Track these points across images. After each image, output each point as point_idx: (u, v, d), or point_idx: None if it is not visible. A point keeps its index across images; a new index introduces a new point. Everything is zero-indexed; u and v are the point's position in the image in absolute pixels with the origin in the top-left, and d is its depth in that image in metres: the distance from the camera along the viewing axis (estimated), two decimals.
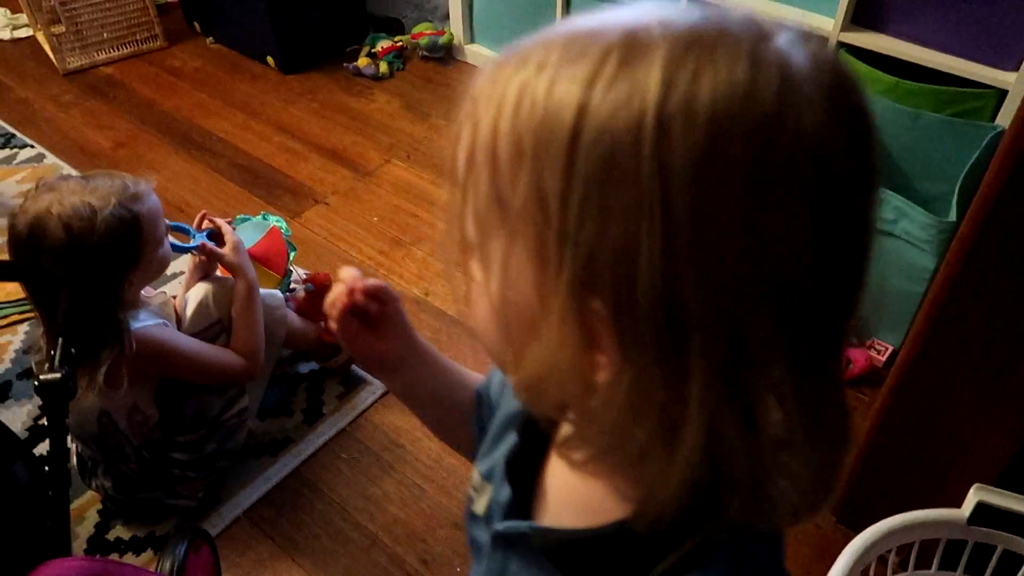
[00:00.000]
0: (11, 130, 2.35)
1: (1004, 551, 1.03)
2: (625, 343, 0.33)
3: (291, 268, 1.52)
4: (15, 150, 2.28)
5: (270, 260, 1.47)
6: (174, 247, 1.27)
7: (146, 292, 1.27)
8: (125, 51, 2.67)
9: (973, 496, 1.01)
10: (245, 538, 1.34)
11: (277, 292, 1.43)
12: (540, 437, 0.48)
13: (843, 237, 0.32)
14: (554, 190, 0.32)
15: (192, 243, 1.33)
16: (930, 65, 1.62)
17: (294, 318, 1.50)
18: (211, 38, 2.75)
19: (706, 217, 0.30)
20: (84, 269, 1.08)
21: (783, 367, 0.33)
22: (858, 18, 1.72)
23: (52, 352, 1.02)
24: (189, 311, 1.30)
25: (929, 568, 1.06)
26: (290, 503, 1.38)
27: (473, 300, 0.40)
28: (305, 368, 1.59)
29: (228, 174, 2.17)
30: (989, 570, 1.05)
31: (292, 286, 1.57)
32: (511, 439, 0.52)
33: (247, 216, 1.55)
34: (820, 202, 0.31)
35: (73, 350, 1.04)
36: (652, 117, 0.30)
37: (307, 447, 1.45)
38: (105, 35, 2.62)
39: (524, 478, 0.49)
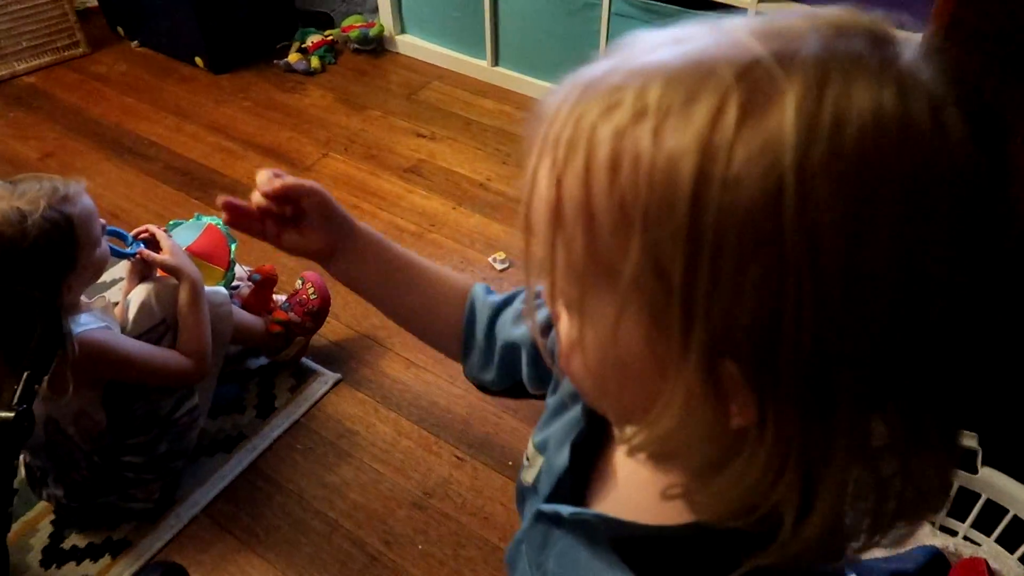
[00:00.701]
0: None
1: None
2: (765, 401, 0.31)
3: (234, 260, 1.51)
4: None
5: (212, 254, 1.46)
6: (112, 251, 1.25)
7: (86, 298, 1.26)
8: (46, 59, 2.60)
9: None
10: (206, 536, 1.34)
11: (221, 289, 1.43)
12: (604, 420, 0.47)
13: (988, 248, 0.31)
14: (676, 260, 0.29)
15: (129, 249, 1.32)
16: None
17: (241, 313, 1.50)
18: (136, 41, 2.70)
19: (858, 270, 0.28)
20: (18, 276, 1.06)
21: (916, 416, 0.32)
22: None
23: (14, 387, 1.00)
24: (132, 313, 1.29)
25: None
26: (248, 498, 1.39)
27: (565, 343, 0.37)
28: (255, 363, 1.58)
29: (163, 177, 2.14)
30: None
31: (236, 283, 1.57)
32: (573, 417, 0.51)
33: (180, 220, 1.54)
34: (972, 226, 0.30)
35: (37, 386, 1.02)
36: (792, 173, 0.27)
37: (262, 441, 1.46)
38: (24, 44, 2.55)
39: (583, 458, 0.50)
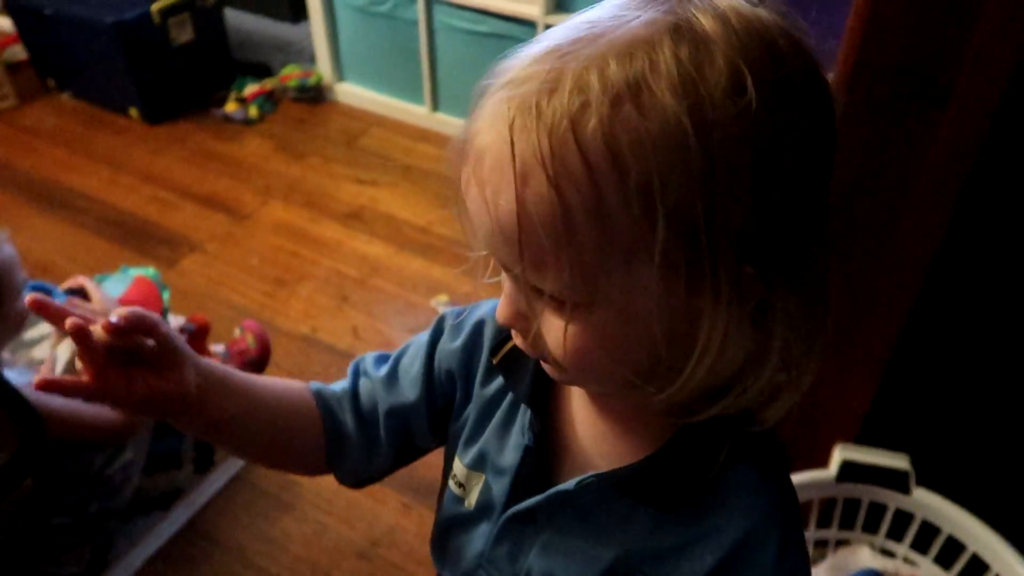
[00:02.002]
0: None
1: (870, 503, 1.12)
2: (774, 288, 0.39)
3: (167, 310, 1.47)
4: None
5: (143, 304, 1.42)
6: None
7: (8, 355, 1.21)
8: None
9: (838, 455, 1.10)
10: None
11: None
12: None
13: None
14: (697, 209, 0.35)
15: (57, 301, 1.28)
16: None
17: None
18: (68, 93, 2.65)
19: (779, 162, 0.37)
20: None
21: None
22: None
23: None
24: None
25: (806, 528, 1.14)
26: (186, 556, 1.33)
27: (576, 336, 0.40)
28: None
29: (95, 230, 2.09)
30: (859, 523, 1.13)
31: None
32: (502, 420, 0.54)
33: (105, 275, 1.50)
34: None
35: None
36: (756, 99, 0.34)
37: (200, 496, 1.41)
38: None
39: (539, 444, 0.52)
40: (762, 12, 0.37)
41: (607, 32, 0.36)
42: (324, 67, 2.57)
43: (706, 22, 0.36)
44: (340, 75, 2.59)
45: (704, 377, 0.40)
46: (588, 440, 0.51)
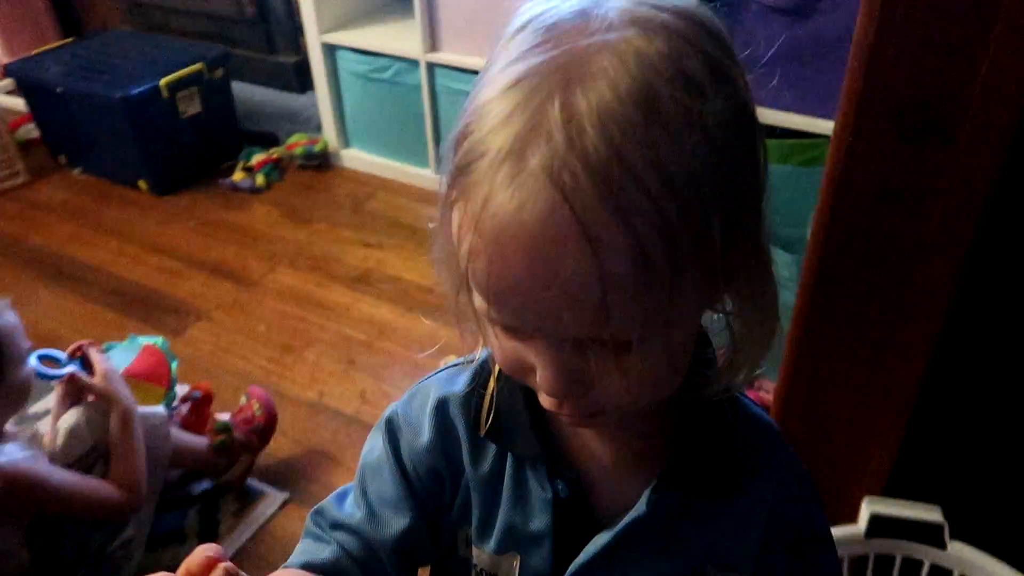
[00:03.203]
0: None
1: (904, 559, 1.06)
2: (746, 255, 0.42)
3: (175, 379, 1.45)
4: None
5: (151, 373, 1.41)
6: (42, 374, 1.20)
7: (12, 427, 1.19)
8: None
9: (866, 509, 1.05)
10: None
11: (160, 408, 1.36)
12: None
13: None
14: (717, 214, 0.37)
15: (61, 371, 1.26)
16: (768, 121, 1.76)
17: (181, 434, 1.43)
18: (79, 169, 2.69)
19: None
20: None
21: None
22: None
23: None
24: (61, 440, 1.22)
25: None
26: None
27: (655, 377, 0.42)
28: (198, 488, 1.50)
29: (103, 301, 2.09)
30: None
31: (174, 403, 1.51)
32: (515, 486, 0.52)
33: (113, 343, 1.49)
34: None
35: None
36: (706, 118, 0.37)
37: None
38: None
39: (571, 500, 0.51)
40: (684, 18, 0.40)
41: (576, 52, 0.36)
42: (330, 134, 2.60)
43: (666, 22, 0.38)
44: (346, 141, 2.62)
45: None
46: (608, 464, 0.51)
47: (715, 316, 0.45)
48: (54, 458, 1.19)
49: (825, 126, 1.70)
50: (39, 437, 1.22)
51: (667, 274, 0.36)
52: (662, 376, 0.42)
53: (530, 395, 0.50)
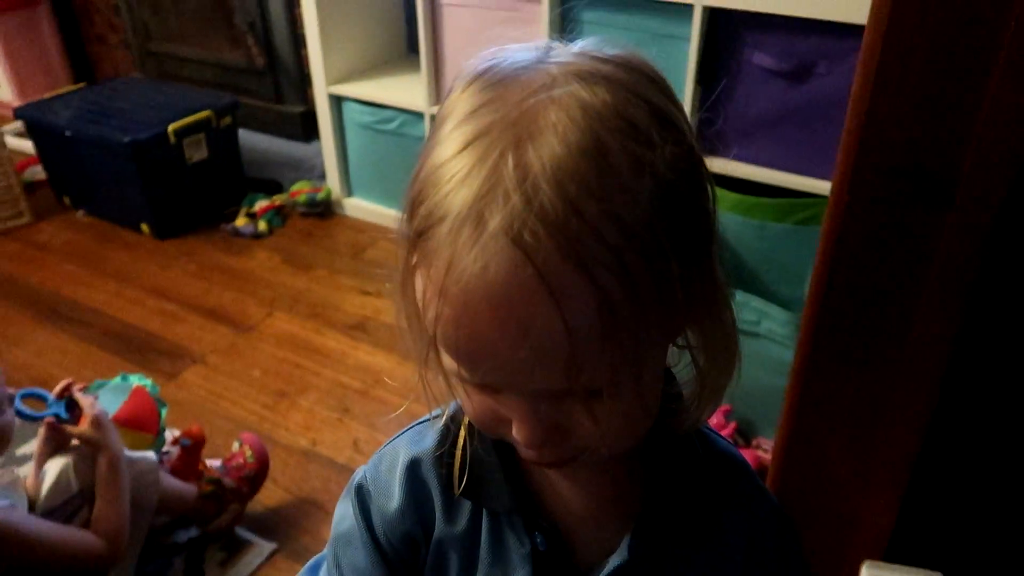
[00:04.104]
0: None
1: None
2: (706, 297, 0.44)
3: (164, 427, 1.43)
4: None
5: (140, 421, 1.39)
6: (25, 415, 1.18)
7: None
8: None
9: (866, 574, 1.02)
10: None
11: (150, 453, 1.34)
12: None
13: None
14: (666, 244, 0.38)
15: (46, 411, 1.24)
16: (767, 181, 1.78)
17: (170, 480, 1.40)
18: (82, 211, 2.71)
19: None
20: None
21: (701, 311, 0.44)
22: (701, 147, 1.89)
23: None
24: (46, 486, 1.19)
25: None
26: None
27: (631, 417, 0.43)
28: (184, 536, 1.47)
29: (98, 342, 2.08)
30: None
31: (165, 448, 1.48)
32: (504, 531, 0.52)
33: (104, 381, 1.47)
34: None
35: None
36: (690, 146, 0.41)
37: None
38: None
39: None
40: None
41: (525, 108, 0.37)
42: (333, 183, 2.63)
43: (608, 72, 0.39)
44: (348, 190, 2.64)
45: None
46: (584, 511, 0.51)
47: (677, 351, 0.46)
48: (36, 504, 1.16)
49: (823, 186, 1.72)
50: (19, 482, 1.19)
51: (632, 320, 0.37)
52: (636, 417, 0.43)
53: (502, 448, 0.50)
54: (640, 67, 0.40)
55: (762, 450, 1.63)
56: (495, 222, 0.35)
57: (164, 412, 1.44)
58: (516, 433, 0.42)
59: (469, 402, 0.44)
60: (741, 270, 1.79)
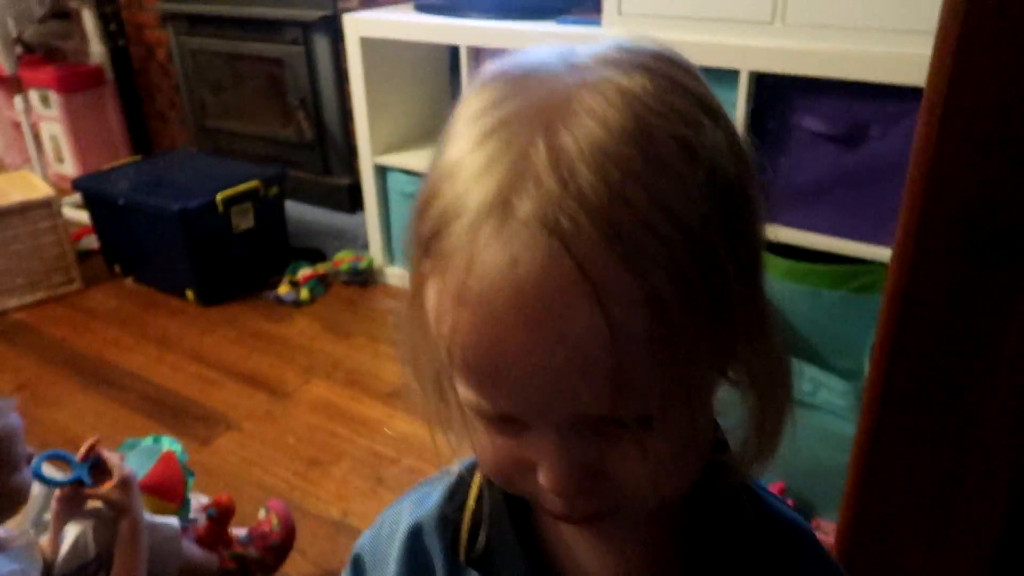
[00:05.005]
0: None
1: None
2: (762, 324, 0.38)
3: (189, 499, 1.39)
4: None
5: (164, 490, 1.34)
6: (47, 480, 1.13)
7: (6, 533, 1.12)
8: (39, 295, 2.63)
9: None
10: None
11: (173, 520, 1.29)
12: None
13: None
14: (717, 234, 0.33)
15: (71, 476, 1.19)
16: (819, 247, 1.72)
17: (193, 550, 1.35)
18: (131, 278, 2.76)
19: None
20: None
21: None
22: None
23: None
24: (63, 550, 1.15)
25: None
26: None
27: (679, 458, 0.36)
28: None
29: (135, 406, 2.07)
30: None
31: (192, 515, 1.43)
32: None
33: (136, 440, 1.43)
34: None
35: None
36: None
37: None
38: (19, 281, 2.60)
39: None
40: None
41: (554, 95, 0.32)
42: (376, 251, 2.63)
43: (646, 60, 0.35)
44: (391, 259, 2.65)
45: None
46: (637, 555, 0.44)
47: (723, 392, 0.39)
48: (52, 568, 1.11)
49: (879, 252, 1.65)
50: (36, 546, 1.14)
51: (684, 328, 0.31)
52: (685, 459, 0.36)
53: (516, 510, 0.44)
54: (674, 58, 0.36)
55: (822, 532, 1.51)
56: (525, 208, 0.30)
57: (191, 482, 1.40)
58: (543, 479, 0.35)
59: (488, 446, 0.38)
60: (794, 338, 1.71)
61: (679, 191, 0.31)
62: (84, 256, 2.84)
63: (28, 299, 2.61)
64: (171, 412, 2.04)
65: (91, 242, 2.89)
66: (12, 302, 2.59)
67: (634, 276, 0.30)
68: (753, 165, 0.37)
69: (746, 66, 1.63)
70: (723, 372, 0.38)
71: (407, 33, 2.13)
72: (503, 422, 0.36)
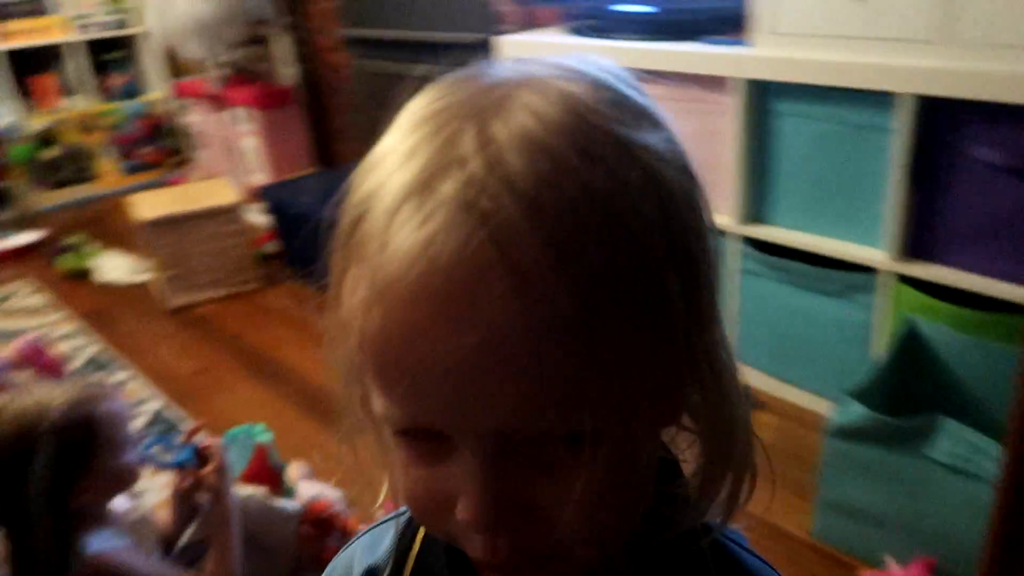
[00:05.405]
0: (112, 357, 2.56)
1: None
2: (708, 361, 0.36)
3: (287, 484, 1.48)
4: (108, 376, 2.45)
5: (261, 480, 1.44)
6: (155, 461, 1.23)
7: (119, 508, 1.21)
8: (222, 291, 2.93)
9: None
10: None
11: (295, 504, 1.38)
12: None
13: None
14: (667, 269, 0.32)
15: (175, 459, 1.27)
16: (990, 293, 1.54)
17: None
18: (303, 281, 2.99)
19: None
20: (27, 472, 1.01)
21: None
22: (912, 250, 1.68)
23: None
24: (191, 529, 1.25)
25: None
26: None
27: (588, 495, 0.32)
28: None
29: (292, 400, 2.24)
30: None
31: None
32: None
33: (236, 431, 1.54)
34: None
35: None
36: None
37: None
38: (208, 278, 2.91)
39: None
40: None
41: (492, 91, 0.32)
42: None
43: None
44: None
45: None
46: None
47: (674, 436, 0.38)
48: (162, 541, 1.22)
49: None
50: (149, 520, 1.24)
51: (616, 331, 0.29)
52: (624, 496, 0.33)
53: (453, 556, 0.41)
54: (618, 72, 0.35)
55: None
56: (446, 188, 0.29)
57: (286, 469, 1.49)
58: (463, 511, 0.32)
59: (406, 477, 0.35)
60: (951, 394, 1.55)
61: (613, 184, 0.30)
62: (266, 259, 3.12)
63: (213, 294, 2.91)
64: (321, 408, 2.19)
65: (272, 246, 3.17)
66: (201, 296, 2.90)
67: (557, 259, 0.28)
68: (701, 186, 0.35)
69: (909, 88, 1.49)
70: (674, 415, 0.36)
71: (551, 55, 2.15)
72: (421, 443, 0.33)
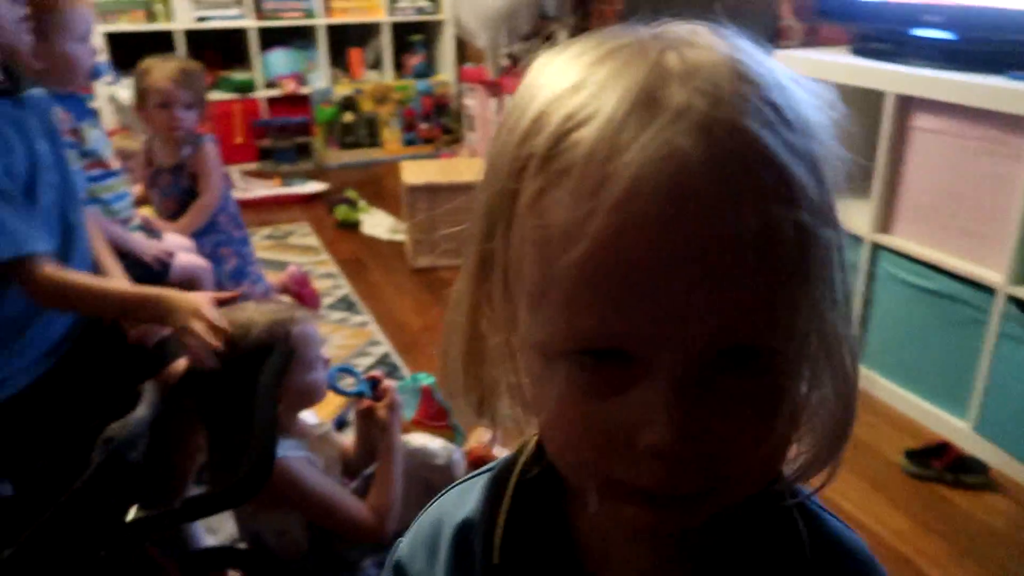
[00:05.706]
0: (356, 301, 2.84)
1: None
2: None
3: (456, 423, 1.55)
4: (352, 315, 2.73)
5: (431, 418, 1.52)
6: (337, 389, 1.32)
7: (306, 423, 1.31)
8: (458, 260, 3.10)
9: None
10: None
11: (457, 449, 1.43)
12: None
13: None
14: None
15: (353, 389, 1.36)
16: None
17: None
18: None
19: None
20: (236, 377, 1.14)
21: None
22: None
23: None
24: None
25: None
26: None
27: (770, 425, 0.35)
28: None
29: None
30: None
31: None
32: None
33: (405, 381, 1.64)
34: None
35: None
36: None
37: None
38: (451, 246, 3.11)
39: None
40: None
41: (666, 34, 0.34)
42: None
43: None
44: None
45: None
46: None
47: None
48: (341, 463, 1.32)
49: None
50: (331, 437, 1.33)
51: (815, 260, 0.32)
52: (784, 433, 0.34)
53: (554, 512, 0.42)
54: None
55: None
56: (679, 98, 0.29)
57: (452, 409, 1.55)
58: (651, 437, 0.30)
59: (572, 411, 0.33)
60: None
61: (800, 122, 0.32)
62: None
63: (451, 262, 3.11)
64: None
65: None
66: (442, 262, 3.11)
67: (796, 174, 0.30)
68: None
69: None
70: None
71: (831, 73, 2.01)
72: (603, 369, 0.32)
